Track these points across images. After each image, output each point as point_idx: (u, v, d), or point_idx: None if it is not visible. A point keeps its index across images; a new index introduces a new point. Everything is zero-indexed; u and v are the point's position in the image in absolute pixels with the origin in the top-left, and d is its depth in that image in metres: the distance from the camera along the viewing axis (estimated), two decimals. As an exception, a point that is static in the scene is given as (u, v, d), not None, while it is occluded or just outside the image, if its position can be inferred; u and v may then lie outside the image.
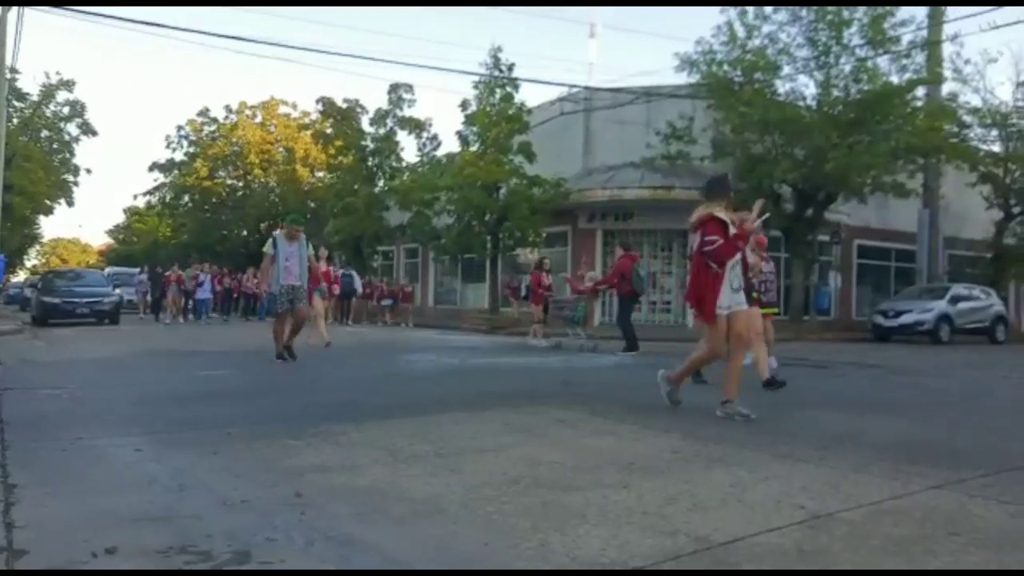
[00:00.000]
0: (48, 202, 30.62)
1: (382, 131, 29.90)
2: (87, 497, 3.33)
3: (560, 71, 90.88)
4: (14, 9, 19.65)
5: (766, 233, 13.83)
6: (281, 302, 9.66)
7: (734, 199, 6.28)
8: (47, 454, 4.21)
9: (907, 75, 20.08)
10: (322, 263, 10.76)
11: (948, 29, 20.56)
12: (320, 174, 38.02)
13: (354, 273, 25.24)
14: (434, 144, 29.10)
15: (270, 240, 9.78)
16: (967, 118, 22.76)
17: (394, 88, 28.99)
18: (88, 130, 31.92)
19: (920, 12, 20.66)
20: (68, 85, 30.72)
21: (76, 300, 21.39)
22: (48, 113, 30.95)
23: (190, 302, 24.84)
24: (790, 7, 20.10)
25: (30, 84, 29.99)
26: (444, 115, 65.14)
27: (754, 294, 10.87)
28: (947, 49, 21.16)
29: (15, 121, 27.95)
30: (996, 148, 24.35)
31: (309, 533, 2.85)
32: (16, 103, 28.45)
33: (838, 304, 24.83)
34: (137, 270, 30.76)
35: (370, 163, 30.21)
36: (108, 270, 37.59)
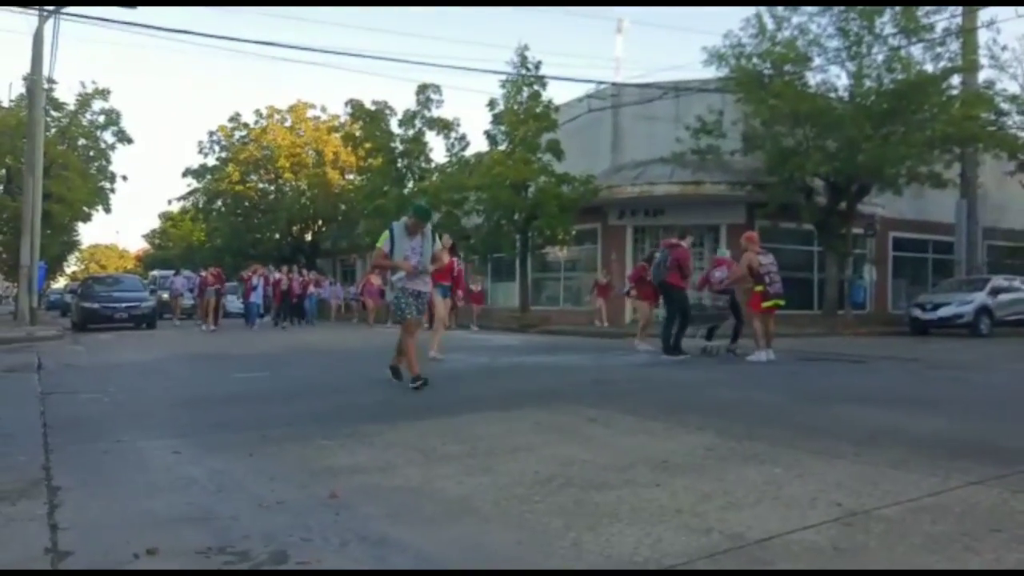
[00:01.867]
0: (86, 209, 31.10)
1: (411, 132, 29.99)
2: (128, 499, 3.40)
3: (587, 67, 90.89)
4: (50, 20, 20.06)
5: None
6: (406, 309, 7.50)
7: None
8: (89, 457, 4.30)
9: (942, 63, 19.69)
10: (445, 254, 8.79)
11: (983, 15, 20.16)
12: (350, 176, 38.26)
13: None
14: (462, 144, 29.13)
15: (386, 232, 7.63)
16: (1005, 105, 22.23)
17: (422, 89, 29.07)
18: (124, 138, 32.41)
19: (955, -3, 20.27)
20: (103, 94, 31.21)
21: (115, 305, 21.80)
22: (84, 122, 31.44)
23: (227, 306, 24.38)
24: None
25: (66, 94, 30.45)
26: (472, 115, 65.27)
27: (758, 287, 10.86)
28: (983, 36, 20.74)
29: (53, 130, 28.45)
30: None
31: (344, 533, 2.88)
32: (53, 112, 28.96)
33: (874, 298, 24.46)
34: (170, 272, 30.21)
35: (399, 164, 30.33)
36: (154, 273, 37.56)
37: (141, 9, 20.38)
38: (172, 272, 29.19)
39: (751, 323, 11.13)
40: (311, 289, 27.02)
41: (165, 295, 27.58)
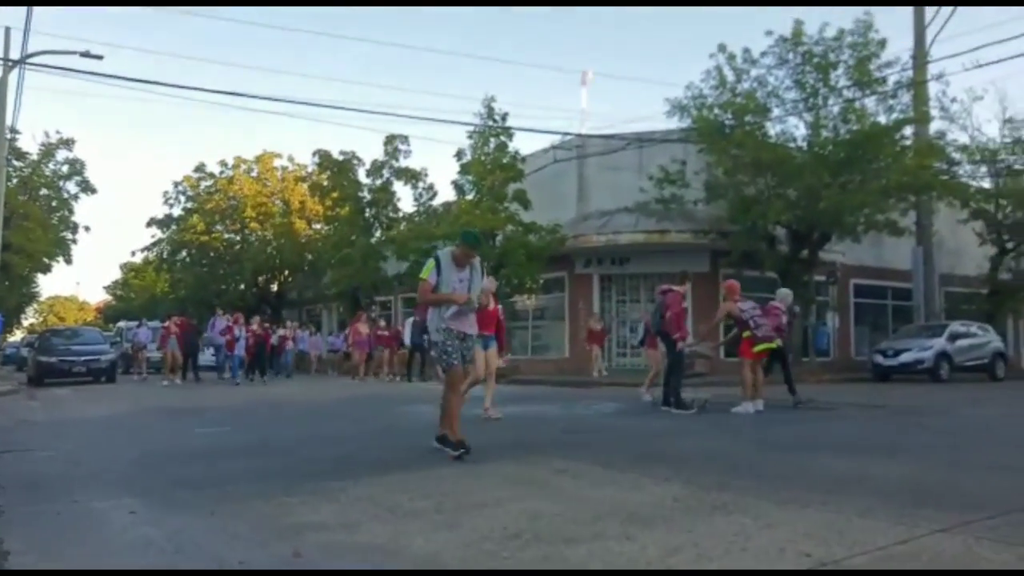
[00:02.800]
0: (47, 260, 30.65)
1: (378, 182, 30.10)
2: (82, 562, 3.29)
3: (553, 119, 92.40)
4: (15, 69, 19.97)
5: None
6: (452, 354, 6.34)
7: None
8: (42, 519, 4.16)
9: (895, 115, 20.30)
10: (490, 296, 7.71)
11: (933, 69, 20.88)
12: (317, 226, 38.18)
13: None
14: (430, 194, 29.27)
15: (431, 261, 6.47)
16: (956, 155, 22.97)
17: (390, 139, 29.27)
18: (87, 188, 32.14)
19: (904, 53, 21.01)
20: (67, 144, 31.01)
21: (73, 359, 21.30)
22: (48, 172, 31.17)
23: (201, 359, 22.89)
24: (776, 50, 20.40)
25: (30, 143, 30.18)
26: (440, 165, 65.60)
27: (745, 333, 10.90)
28: (933, 88, 21.45)
29: (15, 180, 28.14)
30: (986, 184, 24.54)
31: (307, 595, 2.80)
32: (16, 162, 28.68)
33: (837, 344, 24.79)
34: (135, 323, 28.52)
35: (367, 214, 30.36)
36: (120, 324, 36.04)
37: (107, 60, 20.27)
38: (136, 323, 27.91)
39: (741, 371, 10.81)
40: (288, 344, 26.16)
41: (131, 348, 26.17)
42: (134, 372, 24.97)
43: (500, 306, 10.66)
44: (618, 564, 3.12)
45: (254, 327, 22.99)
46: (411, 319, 21.13)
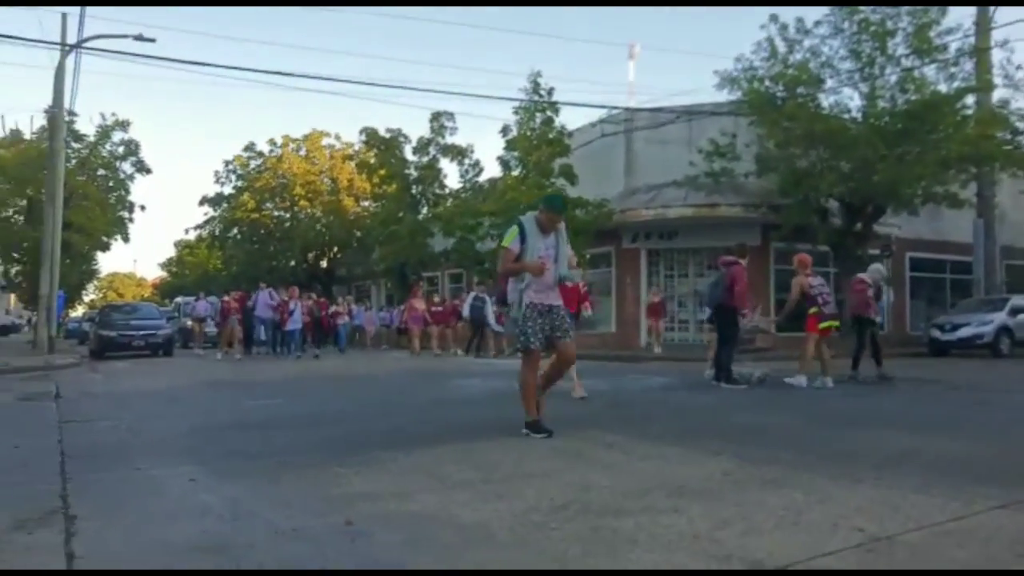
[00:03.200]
0: (105, 238, 31.41)
1: (425, 159, 30.22)
2: (144, 527, 3.40)
3: (600, 93, 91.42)
4: (71, 54, 20.44)
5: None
6: (531, 334, 5.83)
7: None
8: (106, 485, 4.31)
9: (956, 83, 19.62)
10: (576, 273, 7.36)
11: (997, 35, 20.12)
12: (365, 203, 38.52)
13: (487, 297, 20.21)
14: (476, 170, 29.30)
15: (514, 227, 5.99)
16: (1020, 124, 22.09)
17: (436, 116, 29.31)
18: (142, 168, 32.81)
19: (967, 19, 20.25)
20: (123, 125, 31.66)
21: (132, 333, 21.93)
22: (104, 153, 31.88)
23: (261, 334, 22.29)
24: (832, 18, 19.85)
25: (87, 126, 30.93)
26: (486, 141, 65.68)
27: (812, 309, 10.70)
28: (996, 55, 20.65)
29: (73, 161, 28.87)
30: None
31: (360, 561, 2.86)
32: (74, 144, 29.42)
33: (891, 319, 24.24)
34: (192, 298, 27.75)
35: (414, 191, 30.53)
36: (178, 300, 35.72)
37: (160, 42, 20.60)
38: (194, 297, 27.17)
39: (804, 345, 10.61)
40: (342, 319, 25.51)
41: (189, 322, 26.24)
42: (194, 347, 24.77)
43: (583, 281, 10.31)
44: (667, 537, 3.12)
45: (309, 302, 22.42)
46: (472, 294, 20.99)
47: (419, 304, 22.62)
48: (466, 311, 20.78)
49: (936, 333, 19.74)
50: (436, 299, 24.29)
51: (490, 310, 19.79)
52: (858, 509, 3.49)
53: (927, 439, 5.62)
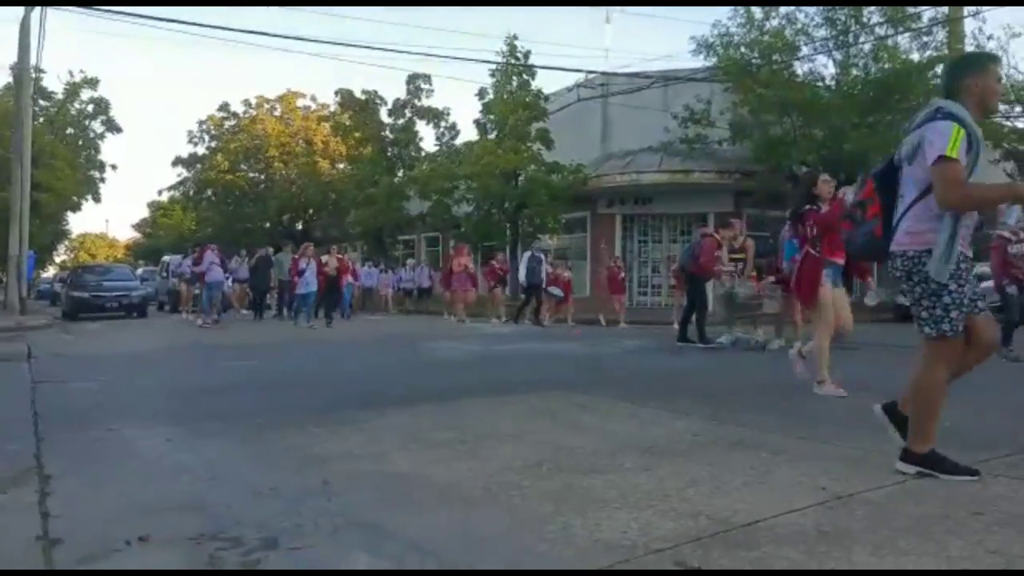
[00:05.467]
0: (75, 199, 30.92)
1: (401, 121, 29.98)
2: (120, 487, 3.42)
3: (577, 57, 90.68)
4: (37, 9, 19.89)
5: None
6: (958, 307, 3.43)
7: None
8: (80, 445, 4.31)
9: (928, 52, 19.77)
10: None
11: (969, 6, 20.20)
12: (340, 165, 38.18)
13: (543, 256, 18.67)
14: (452, 133, 29.17)
15: (953, 126, 3.62)
16: (989, 95, 22.34)
17: (412, 79, 29.04)
18: (112, 127, 32.26)
19: (941, -13, 20.31)
20: (92, 83, 31.01)
21: (105, 294, 21.68)
22: (73, 111, 31.27)
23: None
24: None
25: (54, 83, 30.15)
26: (462, 104, 64.97)
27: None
28: (969, 25, 20.76)
29: (41, 120, 28.27)
30: (1021, 124, 23.90)
31: (336, 519, 2.91)
32: (41, 102, 28.78)
33: (859, 284, 24.57)
34: (180, 257, 23.72)
35: (389, 153, 30.32)
36: (166, 258, 30.16)
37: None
38: (181, 256, 23.32)
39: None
40: (347, 277, 20.44)
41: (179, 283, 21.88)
42: (183, 311, 20.72)
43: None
44: (637, 495, 3.19)
45: (327, 259, 18.19)
46: (527, 254, 18.51)
47: (467, 261, 19.54)
48: (523, 274, 18.23)
49: (901, 299, 20.04)
50: (499, 258, 20.86)
51: (545, 272, 18.05)
52: (823, 469, 3.59)
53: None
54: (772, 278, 11.04)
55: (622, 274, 18.51)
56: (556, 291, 18.20)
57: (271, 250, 20.60)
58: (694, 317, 11.20)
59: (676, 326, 12.25)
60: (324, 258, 18.06)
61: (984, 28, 21.40)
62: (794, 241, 6.62)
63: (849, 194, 5.16)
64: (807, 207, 6.26)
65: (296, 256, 17.98)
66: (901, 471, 3.48)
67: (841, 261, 6.29)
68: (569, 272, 19.10)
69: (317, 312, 17.63)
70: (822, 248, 6.07)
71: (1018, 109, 23.06)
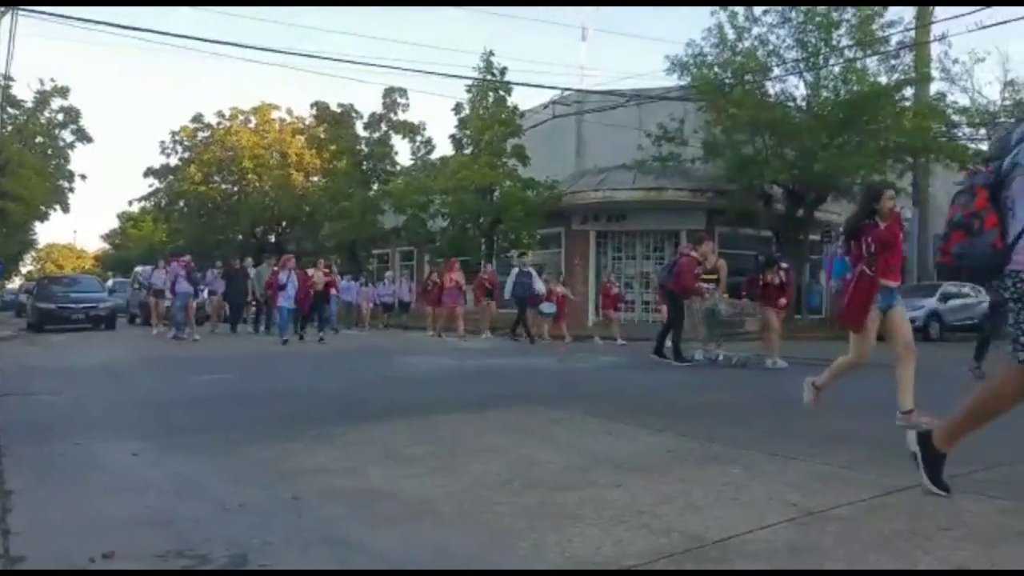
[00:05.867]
0: (43, 208, 30.48)
1: (376, 135, 29.94)
2: (84, 502, 3.35)
3: (552, 74, 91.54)
4: (7, 16, 19.64)
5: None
6: None
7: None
8: (44, 460, 4.23)
9: (896, 75, 20.16)
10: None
11: (936, 30, 20.64)
12: (315, 178, 38.01)
13: (533, 271, 17.81)
14: (428, 148, 29.16)
15: None
16: (956, 117, 22.79)
17: (388, 92, 29.05)
18: (83, 136, 31.85)
19: (908, 13, 20.75)
20: (62, 92, 30.64)
21: (72, 306, 21.34)
22: (42, 120, 30.86)
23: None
24: (780, 8, 20.16)
25: (24, 91, 29.73)
26: (438, 119, 65.08)
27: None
28: (935, 49, 21.23)
29: (9, 128, 27.89)
30: (984, 147, 24.42)
31: (306, 535, 2.88)
32: (10, 110, 28.38)
33: (830, 302, 24.91)
34: (151, 268, 21.40)
35: (364, 167, 30.24)
36: (137, 269, 28.73)
37: (106, 10, 19.85)
38: (152, 268, 21.22)
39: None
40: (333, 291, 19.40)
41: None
42: (155, 325, 18.78)
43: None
44: (610, 511, 3.19)
45: (314, 272, 17.49)
46: (515, 270, 17.82)
47: (456, 276, 18.66)
48: (509, 289, 17.54)
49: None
50: (488, 270, 20.06)
51: (539, 286, 17.25)
52: (793, 485, 3.61)
53: (860, 420, 5.83)
54: (745, 297, 11.21)
55: (615, 289, 18.03)
56: (549, 308, 17.58)
57: (250, 261, 20.10)
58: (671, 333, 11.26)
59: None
60: (310, 271, 17.48)
61: (950, 52, 22.01)
62: (846, 259, 6.32)
63: (907, 212, 5.08)
64: (866, 222, 5.82)
65: (276, 268, 17.05)
66: (909, 445, 3.62)
67: (895, 284, 6.03)
68: (563, 287, 18.63)
69: (303, 327, 16.97)
70: (877, 268, 5.77)
71: (982, 132, 23.61)
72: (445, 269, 19.45)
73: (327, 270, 18.16)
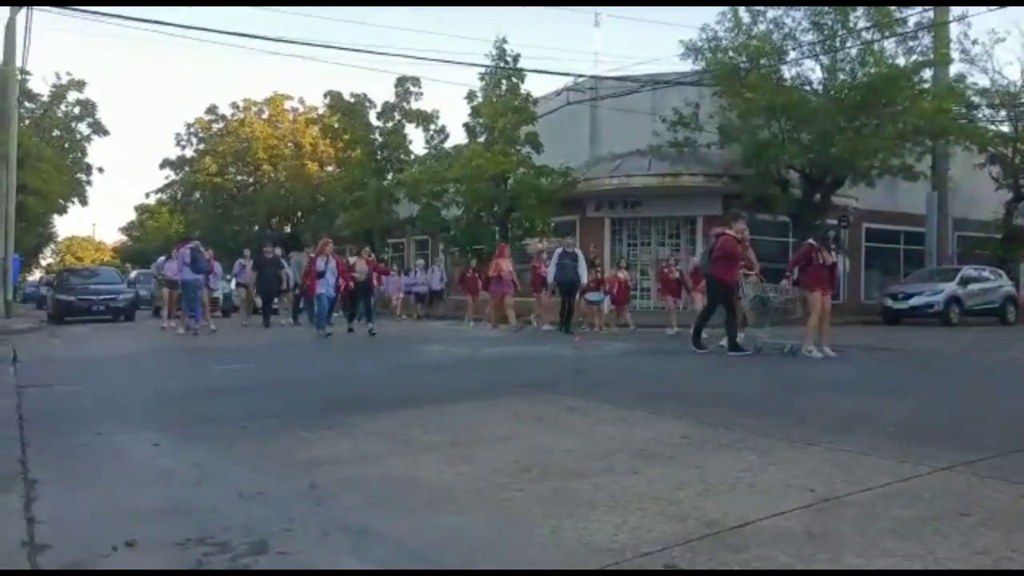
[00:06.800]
0: (62, 201, 30.77)
1: (390, 124, 29.93)
2: (106, 492, 3.39)
3: (565, 61, 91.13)
4: (23, 10, 19.76)
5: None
6: None
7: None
8: (66, 450, 4.28)
9: (914, 57, 19.92)
10: None
11: (955, 10, 20.42)
12: (329, 168, 38.10)
13: (580, 253, 16.16)
14: (442, 136, 29.11)
15: None
16: (975, 99, 22.54)
17: (401, 81, 29.00)
18: (99, 129, 32.15)
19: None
20: (78, 85, 30.90)
21: (91, 297, 21.52)
22: (59, 113, 31.14)
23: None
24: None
25: (40, 85, 29.98)
26: (451, 107, 64.98)
27: None
28: (954, 30, 20.99)
29: (27, 122, 28.11)
30: (1005, 128, 24.10)
31: (324, 524, 2.90)
32: (27, 104, 28.62)
33: (847, 287, 24.75)
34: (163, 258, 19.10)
35: (379, 156, 30.25)
36: (160, 260, 30.43)
37: (116, 7, 19.88)
38: (164, 257, 18.98)
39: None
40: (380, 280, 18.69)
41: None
42: (164, 317, 17.41)
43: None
44: (626, 498, 3.20)
45: (356, 261, 16.58)
46: (558, 250, 16.00)
47: (506, 264, 17.24)
48: (551, 273, 15.79)
49: (889, 302, 20.21)
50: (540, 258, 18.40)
51: (583, 270, 15.55)
52: (810, 471, 3.60)
53: (878, 404, 5.79)
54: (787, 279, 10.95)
55: (675, 274, 16.59)
56: (596, 296, 16.41)
57: (280, 250, 19.03)
58: (725, 320, 10.63)
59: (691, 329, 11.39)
60: (352, 260, 16.84)
61: (969, 33, 21.72)
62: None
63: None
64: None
65: (313, 255, 15.84)
66: None
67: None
68: (625, 272, 17.41)
69: (351, 319, 16.24)
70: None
71: (1002, 114, 23.32)
72: (496, 255, 17.88)
73: (369, 259, 16.79)
